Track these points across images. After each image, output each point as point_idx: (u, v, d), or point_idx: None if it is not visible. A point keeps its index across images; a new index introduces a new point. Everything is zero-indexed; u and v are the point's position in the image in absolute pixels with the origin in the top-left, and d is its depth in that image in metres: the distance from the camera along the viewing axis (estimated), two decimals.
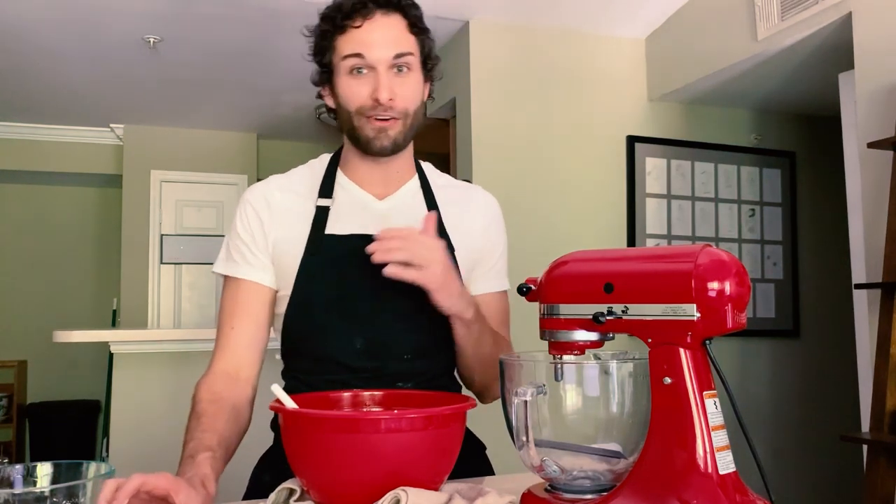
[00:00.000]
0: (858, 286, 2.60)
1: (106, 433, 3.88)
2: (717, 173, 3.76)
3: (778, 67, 3.19)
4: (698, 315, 0.79)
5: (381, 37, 1.16)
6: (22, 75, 4.12)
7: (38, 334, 5.13)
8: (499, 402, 0.98)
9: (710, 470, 0.78)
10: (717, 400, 0.82)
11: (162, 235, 5.27)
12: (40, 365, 5.58)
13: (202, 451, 1.01)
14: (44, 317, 5.49)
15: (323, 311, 1.19)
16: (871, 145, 2.44)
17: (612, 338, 0.90)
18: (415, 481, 0.87)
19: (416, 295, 1.11)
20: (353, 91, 1.18)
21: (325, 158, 1.31)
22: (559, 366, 0.90)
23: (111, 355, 2.71)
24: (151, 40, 3.59)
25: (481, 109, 3.36)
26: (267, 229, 1.22)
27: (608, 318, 0.85)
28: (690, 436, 0.79)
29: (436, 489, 0.91)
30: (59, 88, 4.39)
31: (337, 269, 1.20)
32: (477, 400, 1.27)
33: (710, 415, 0.80)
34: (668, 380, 0.81)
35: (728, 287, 0.79)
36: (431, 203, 1.29)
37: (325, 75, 1.22)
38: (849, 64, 2.77)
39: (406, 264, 1.07)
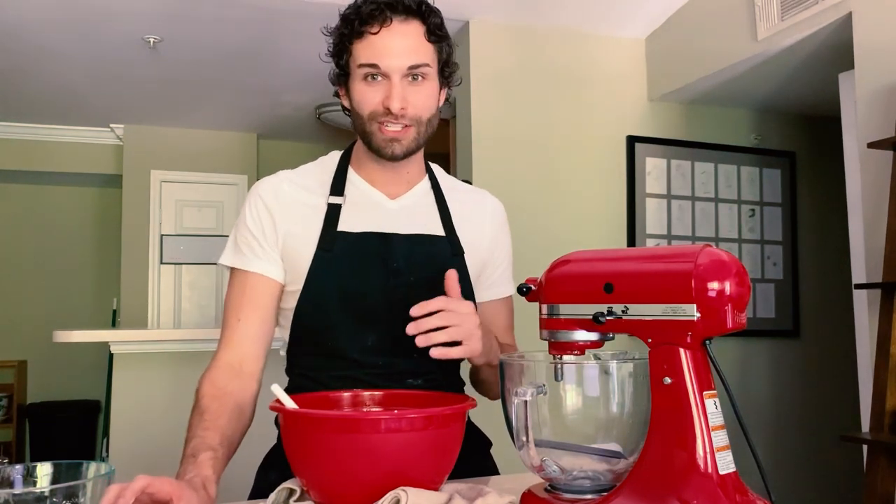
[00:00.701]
0: (858, 286, 2.60)
1: (106, 433, 3.89)
2: (717, 173, 3.76)
3: (778, 67, 3.19)
4: (698, 315, 0.79)
5: (397, 45, 1.15)
6: (22, 75, 4.12)
7: (38, 334, 5.14)
8: None
9: (710, 470, 0.78)
10: (717, 400, 0.82)
11: (162, 235, 5.27)
12: (40, 365, 5.57)
13: (204, 451, 1.01)
14: (44, 317, 5.50)
15: (335, 307, 1.20)
16: (871, 145, 2.44)
17: (612, 338, 0.90)
18: (415, 481, 0.88)
19: (428, 293, 1.11)
20: (366, 97, 1.18)
21: (336, 155, 1.31)
22: (559, 366, 0.90)
23: (111, 355, 2.71)
24: (151, 40, 3.59)
25: (481, 109, 3.36)
26: (277, 223, 1.22)
27: (608, 318, 0.85)
28: (690, 436, 0.79)
29: (436, 489, 0.91)
30: (59, 88, 4.39)
31: (349, 266, 1.20)
32: (483, 397, 1.28)
33: (710, 415, 0.80)
34: (668, 380, 0.81)
35: (728, 287, 0.79)
36: (442, 205, 1.30)
37: (342, 77, 1.23)
38: (849, 64, 2.77)
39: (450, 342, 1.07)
